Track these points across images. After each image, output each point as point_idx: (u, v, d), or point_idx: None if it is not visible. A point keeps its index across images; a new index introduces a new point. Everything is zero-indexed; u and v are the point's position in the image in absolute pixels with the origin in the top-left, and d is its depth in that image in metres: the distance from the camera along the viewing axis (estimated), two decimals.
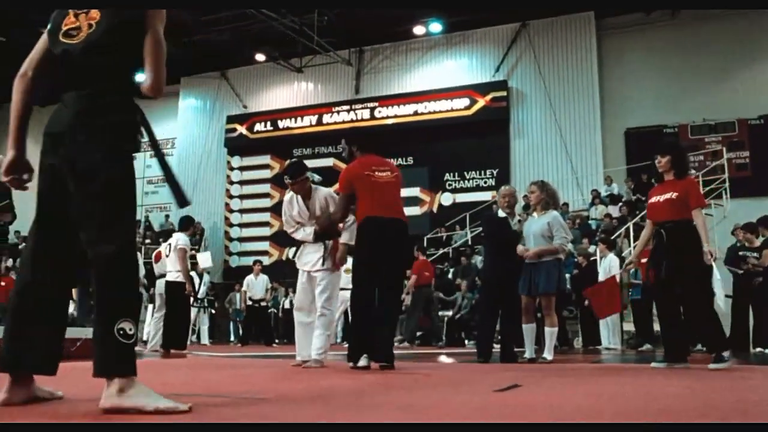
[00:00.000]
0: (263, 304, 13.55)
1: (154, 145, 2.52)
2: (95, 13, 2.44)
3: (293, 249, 18.58)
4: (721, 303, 4.98)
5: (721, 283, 4.98)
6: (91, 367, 2.19)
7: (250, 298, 13.34)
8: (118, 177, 2.35)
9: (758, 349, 8.92)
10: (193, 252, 12.73)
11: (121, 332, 2.18)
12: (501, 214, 6.60)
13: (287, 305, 16.22)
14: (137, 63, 2.44)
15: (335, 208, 5.09)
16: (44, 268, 2.38)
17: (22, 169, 2.53)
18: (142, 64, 2.43)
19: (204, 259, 13.53)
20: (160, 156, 2.54)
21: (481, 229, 10.87)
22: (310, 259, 5.39)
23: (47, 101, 2.62)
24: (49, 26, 2.54)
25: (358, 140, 5.34)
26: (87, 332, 6.03)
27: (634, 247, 12.03)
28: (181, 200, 2.50)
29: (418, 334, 12.69)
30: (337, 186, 5.44)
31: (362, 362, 4.61)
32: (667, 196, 5.30)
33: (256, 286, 13.35)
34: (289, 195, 5.60)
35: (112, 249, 2.26)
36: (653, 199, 5.48)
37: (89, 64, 2.42)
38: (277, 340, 14.26)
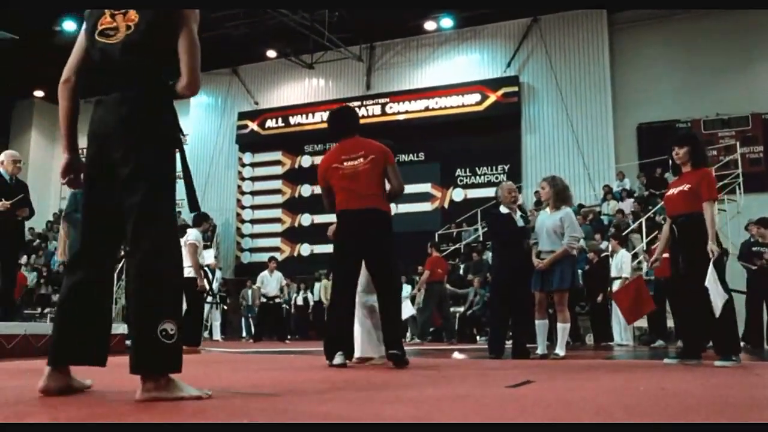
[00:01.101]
0: (277, 300, 13.60)
1: (180, 148, 2.62)
2: (133, 15, 2.51)
3: (305, 245, 18.77)
4: (715, 307, 4.85)
5: (714, 285, 4.84)
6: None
7: (263, 295, 13.38)
8: (163, 178, 2.46)
9: None
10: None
11: (164, 333, 2.29)
12: (504, 210, 6.56)
13: (300, 301, 16.30)
14: (173, 63, 2.50)
15: (324, 202, 4.83)
16: (94, 264, 2.51)
17: (77, 170, 2.68)
18: (177, 63, 2.50)
19: (207, 257, 13.58)
20: (183, 158, 2.63)
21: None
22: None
23: (83, 95, 2.68)
24: (84, 25, 2.60)
25: (330, 126, 4.99)
26: (26, 327, 6.10)
27: (647, 243, 12.07)
28: (194, 205, 2.66)
29: (430, 330, 12.69)
30: None
31: (338, 359, 4.43)
32: (681, 188, 5.17)
33: (270, 282, 13.40)
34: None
35: (154, 247, 2.37)
36: (669, 192, 5.37)
37: (129, 65, 2.49)
38: (289, 336, 14.30)
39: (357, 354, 4.87)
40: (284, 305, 14.70)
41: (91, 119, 2.53)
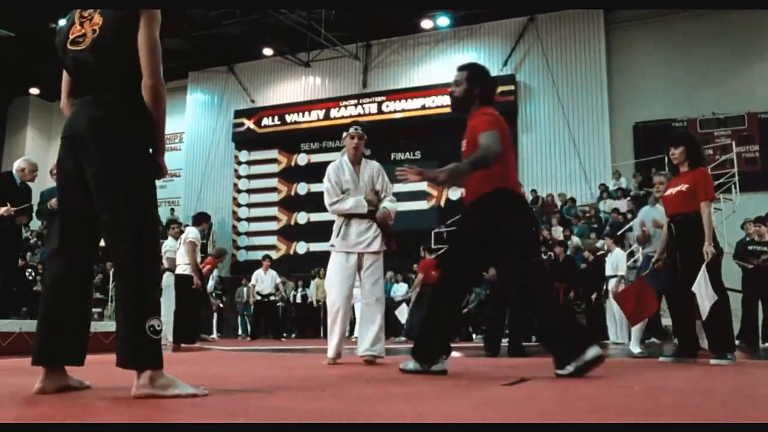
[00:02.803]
0: (272, 298, 13.60)
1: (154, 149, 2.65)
2: (98, 19, 2.56)
3: (301, 243, 18.77)
4: (702, 310, 4.86)
5: (704, 288, 4.85)
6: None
7: (258, 293, 13.39)
8: (137, 178, 2.48)
9: (767, 344, 8.89)
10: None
11: (151, 329, 2.36)
12: None
13: (298, 299, 16.30)
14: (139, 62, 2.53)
15: (491, 144, 3.62)
16: (70, 264, 2.54)
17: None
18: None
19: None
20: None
21: None
22: (364, 238, 4.78)
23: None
24: (56, 39, 2.67)
25: (479, 84, 4.06)
26: (22, 325, 6.10)
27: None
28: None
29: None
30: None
31: (441, 365, 3.71)
32: (679, 187, 5.20)
33: (264, 281, 13.39)
34: (336, 161, 5.01)
35: (134, 248, 2.41)
36: (667, 192, 5.40)
37: (97, 68, 2.53)
38: (285, 334, 14.30)
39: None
40: (280, 303, 14.70)
41: (65, 122, 2.59)
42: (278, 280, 13.86)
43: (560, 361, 3.40)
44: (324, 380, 3.35)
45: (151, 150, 2.58)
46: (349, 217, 4.82)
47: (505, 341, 6.94)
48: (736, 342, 7.05)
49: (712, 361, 4.85)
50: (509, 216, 3.66)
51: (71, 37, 2.58)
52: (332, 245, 4.92)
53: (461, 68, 4.14)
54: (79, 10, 2.62)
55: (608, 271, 9.98)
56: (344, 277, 4.79)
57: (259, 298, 13.38)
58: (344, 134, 5.03)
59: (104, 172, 2.43)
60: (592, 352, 3.31)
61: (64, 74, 2.70)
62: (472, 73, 4.04)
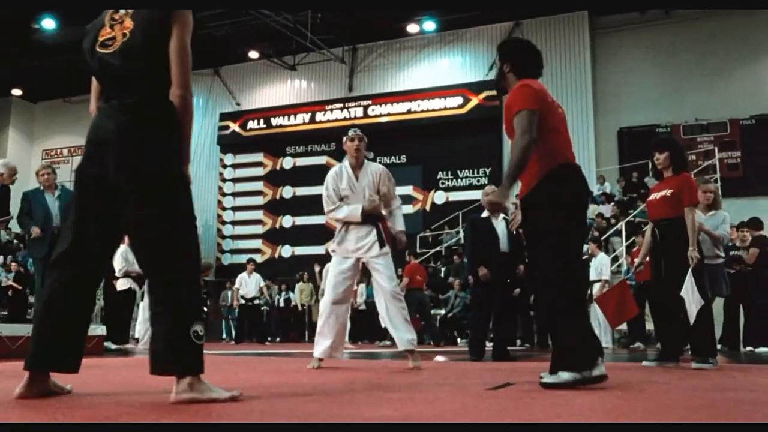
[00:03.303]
0: (256, 302, 13.55)
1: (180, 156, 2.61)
2: (129, 23, 2.52)
3: (286, 247, 18.72)
4: (690, 314, 4.90)
5: (691, 293, 4.90)
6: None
7: (242, 297, 13.33)
8: (167, 185, 2.45)
9: (748, 348, 8.96)
10: None
11: (195, 334, 2.36)
12: (484, 214, 6.69)
13: (282, 303, 16.23)
14: (169, 68, 2.51)
15: (524, 131, 3.24)
16: (79, 272, 2.49)
17: None
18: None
19: None
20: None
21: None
22: (362, 244, 4.77)
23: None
24: (84, 42, 2.62)
25: (509, 59, 3.60)
26: (29, 329, 6.05)
27: (626, 247, 12.16)
28: None
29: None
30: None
31: (600, 370, 3.09)
32: (663, 192, 5.24)
33: (248, 284, 13.35)
34: (336, 167, 5.02)
35: (174, 254, 2.39)
36: (651, 197, 5.45)
37: (126, 71, 2.49)
38: (269, 338, 14.24)
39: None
40: (264, 307, 14.65)
41: (91, 125, 2.54)
42: (262, 283, 13.81)
43: (561, 366, 3.08)
44: (308, 385, 3.33)
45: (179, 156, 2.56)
46: (347, 222, 4.84)
47: (489, 345, 6.95)
48: (718, 346, 7.11)
49: (694, 365, 4.88)
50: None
51: (100, 39, 2.54)
52: (333, 249, 4.95)
53: (497, 48, 3.78)
54: (110, 12, 2.59)
55: (592, 276, 10.04)
56: (338, 281, 4.80)
57: (243, 302, 13.33)
58: (344, 138, 5.00)
59: (135, 179, 2.40)
60: (600, 369, 3.04)
61: (93, 78, 2.66)
62: (502, 50, 3.68)
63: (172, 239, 2.41)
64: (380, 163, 17.27)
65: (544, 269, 3.20)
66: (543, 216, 3.22)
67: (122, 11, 2.56)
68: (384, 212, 4.94)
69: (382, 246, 4.75)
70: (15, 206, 7.46)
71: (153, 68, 2.49)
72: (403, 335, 4.74)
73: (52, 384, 2.50)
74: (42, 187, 7.26)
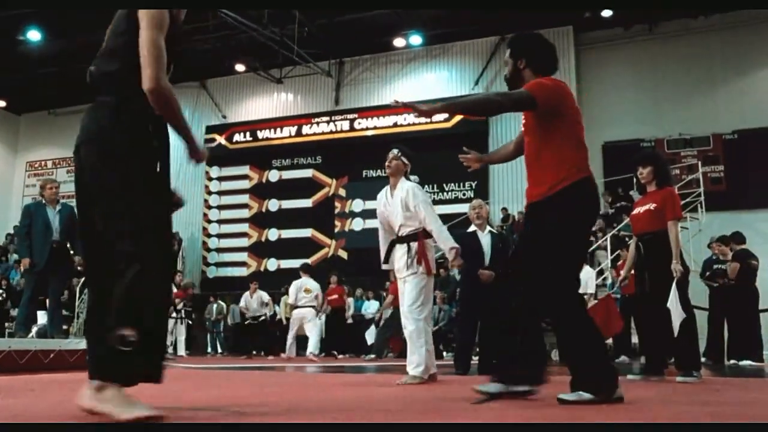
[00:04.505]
0: (261, 319, 13.73)
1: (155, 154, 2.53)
2: (108, 29, 2.55)
3: (272, 260, 18.65)
4: (675, 327, 4.94)
5: (675, 306, 4.93)
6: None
7: (246, 315, 13.53)
8: (109, 184, 2.35)
9: (732, 362, 9.01)
10: None
11: (121, 339, 2.17)
12: (471, 228, 6.76)
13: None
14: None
15: (510, 97, 3.20)
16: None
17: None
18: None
19: None
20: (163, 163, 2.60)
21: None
22: (399, 265, 4.85)
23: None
24: None
25: (525, 54, 3.42)
26: (61, 344, 6.02)
27: (611, 260, 12.22)
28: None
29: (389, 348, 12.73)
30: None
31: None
32: (647, 207, 5.29)
33: (252, 304, 13.52)
34: (386, 187, 5.13)
35: (118, 255, 2.30)
36: (635, 211, 5.49)
37: (100, 72, 2.49)
38: (254, 351, 14.13)
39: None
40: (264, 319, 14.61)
41: None
42: (267, 298, 13.94)
43: (585, 385, 2.93)
44: (296, 399, 3.31)
45: (149, 158, 2.46)
46: (392, 242, 4.97)
47: (475, 359, 6.95)
48: (702, 359, 7.14)
49: (679, 379, 4.90)
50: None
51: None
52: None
53: (507, 45, 3.57)
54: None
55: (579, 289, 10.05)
56: (401, 301, 4.93)
57: (248, 321, 13.51)
58: None
59: (92, 181, 2.38)
60: (620, 391, 2.98)
61: None
62: (514, 45, 3.48)
63: (111, 240, 2.33)
64: (366, 176, 17.37)
65: (548, 285, 3.05)
66: (558, 227, 3.06)
67: None
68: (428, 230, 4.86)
69: (410, 266, 4.75)
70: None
71: (120, 68, 2.44)
72: (409, 356, 4.77)
73: None
74: (44, 201, 7.33)
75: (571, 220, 3.07)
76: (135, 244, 2.30)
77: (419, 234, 4.81)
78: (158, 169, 2.49)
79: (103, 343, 2.20)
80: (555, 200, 3.08)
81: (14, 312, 12.70)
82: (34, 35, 17.10)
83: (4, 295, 16.04)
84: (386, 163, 5.06)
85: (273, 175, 19.33)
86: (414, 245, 4.78)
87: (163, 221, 2.47)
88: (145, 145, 2.44)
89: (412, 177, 5.12)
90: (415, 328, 4.68)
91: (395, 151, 5.10)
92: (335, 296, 13.79)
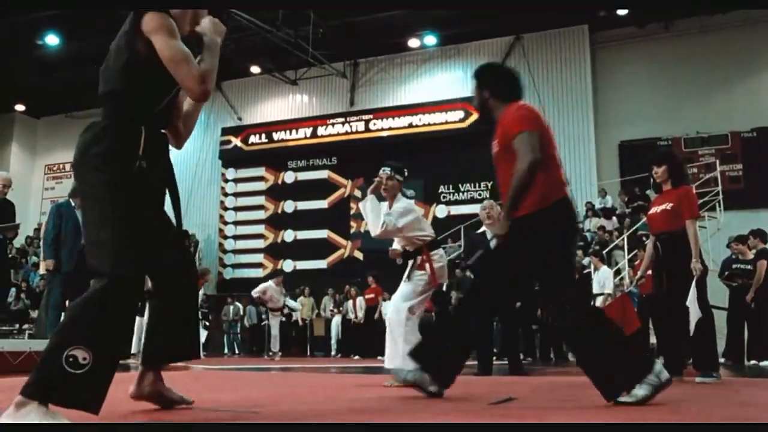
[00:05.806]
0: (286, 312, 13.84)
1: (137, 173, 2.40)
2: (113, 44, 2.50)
3: (288, 261, 18.70)
4: (693, 326, 4.90)
5: (694, 305, 4.89)
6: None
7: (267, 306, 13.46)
8: (92, 200, 2.33)
9: (752, 362, 8.93)
10: None
11: (71, 359, 2.04)
12: (481, 229, 6.76)
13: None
14: (141, 83, 2.40)
15: (530, 150, 3.12)
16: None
17: None
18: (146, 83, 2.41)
19: None
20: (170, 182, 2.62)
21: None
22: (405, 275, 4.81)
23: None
24: None
25: (488, 85, 3.53)
26: (31, 344, 5.95)
27: (629, 260, 12.14)
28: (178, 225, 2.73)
29: None
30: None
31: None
32: (663, 206, 5.24)
33: (276, 293, 13.52)
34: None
35: (94, 272, 2.24)
36: (651, 210, 5.45)
37: (101, 91, 2.45)
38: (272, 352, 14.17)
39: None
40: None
41: None
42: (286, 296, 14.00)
43: (630, 379, 2.94)
44: (313, 400, 3.32)
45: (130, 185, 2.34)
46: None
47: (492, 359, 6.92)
48: (722, 360, 7.08)
49: (698, 379, 4.86)
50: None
51: None
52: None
53: (473, 76, 3.67)
54: None
55: (595, 289, 10.02)
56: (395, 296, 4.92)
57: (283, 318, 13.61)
58: None
59: (82, 195, 2.41)
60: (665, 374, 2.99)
61: None
62: (478, 78, 3.59)
63: (92, 256, 2.28)
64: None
65: (564, 298, 3.12)
66: (549, 240, 3.13)
67: None
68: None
69: (409, 277, 4.71)
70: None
71: (117, 84, 2.39)
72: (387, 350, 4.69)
73: (165, 389, 2.70)
74: (74, 203, 7.36)
75: (557, 235, 3.16)
76: (111, 264, 2.21)
77: (424, 249, 4.76)
78: (145, 192, 2.40)
79: (57, 361, 2.04)
80: (537, 218, 3.14)
81: (34, 314, 12.81)
82: (52, 39, 17.27)
83: (25, 298, 16.18)
84: (382, 187, 4.86)
85: (289, 177, 19.38)
86: (414, 259, 4.75)
87: (145, 245, 2.33)
88: (126, 172, 2.34)
89: (408, 192, 5.07)
90: (397, 319, 4.57)
91: (387, 170, 4.86)
92: (371, 295, 13.81)
